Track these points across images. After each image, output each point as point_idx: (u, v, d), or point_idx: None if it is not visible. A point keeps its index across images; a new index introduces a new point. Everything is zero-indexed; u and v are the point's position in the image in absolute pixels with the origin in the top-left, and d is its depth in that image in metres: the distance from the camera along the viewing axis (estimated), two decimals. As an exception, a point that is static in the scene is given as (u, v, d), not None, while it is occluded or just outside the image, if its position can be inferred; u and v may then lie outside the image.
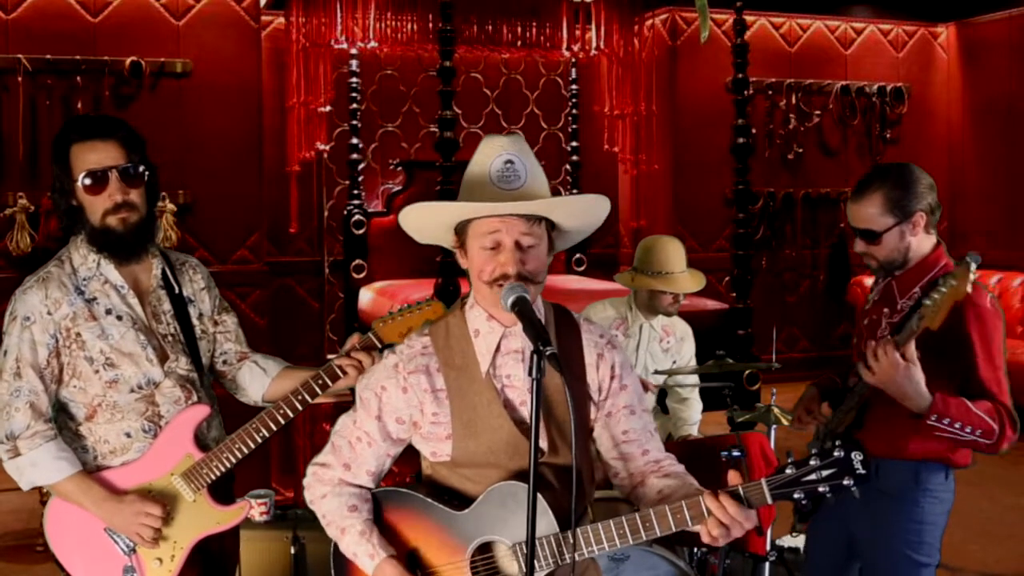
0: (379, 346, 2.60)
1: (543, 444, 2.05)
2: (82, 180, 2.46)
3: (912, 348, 2.50)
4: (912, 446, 2.71)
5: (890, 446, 2.73)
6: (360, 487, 2.16)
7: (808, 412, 2.96)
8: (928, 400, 2.52)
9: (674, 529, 1.92)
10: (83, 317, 2.48)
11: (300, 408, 2.56)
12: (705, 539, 1.92)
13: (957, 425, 2.55)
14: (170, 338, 2.59)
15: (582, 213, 2.08)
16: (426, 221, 2.10)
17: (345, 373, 2.57)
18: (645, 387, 3.93)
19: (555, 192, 2.10)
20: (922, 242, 2.78)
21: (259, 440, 2.54)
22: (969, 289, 2.45)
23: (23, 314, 2.46)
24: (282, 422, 2.55)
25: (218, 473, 2.53)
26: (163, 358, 2.55)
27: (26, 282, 2.51)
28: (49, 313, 2.46)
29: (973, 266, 2.43)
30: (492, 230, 2.00)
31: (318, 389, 2.57)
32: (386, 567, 2.04)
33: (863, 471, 1.83)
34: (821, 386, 3.02)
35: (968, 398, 2.58)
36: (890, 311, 2.82)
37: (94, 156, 2.46)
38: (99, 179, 2.46)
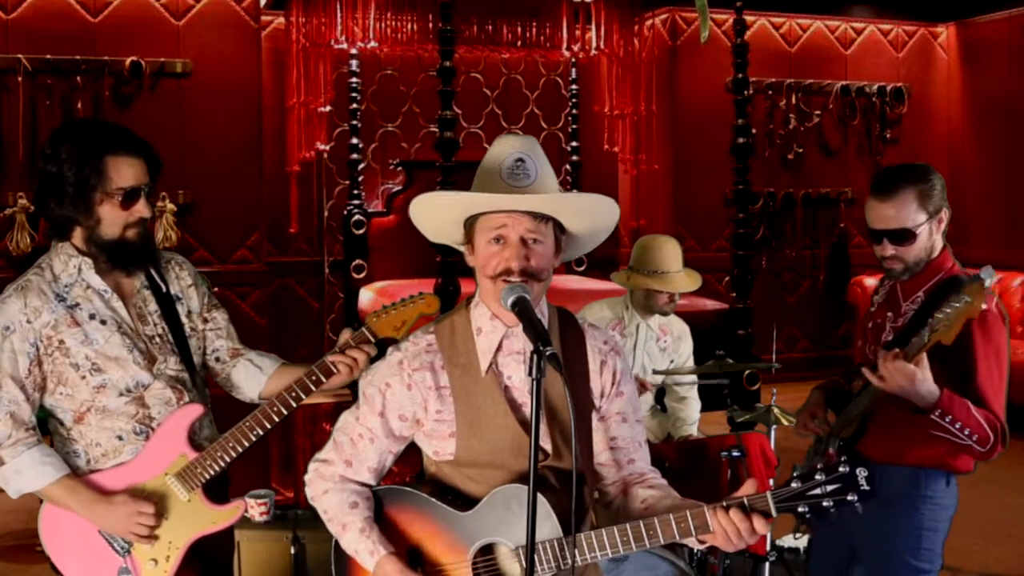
0: (372, 340, 2.58)
1: (546, 447, 2.05)
2: (118, 196, 2.46)
3: (924, 357, 2.48)
4: (913, 452, 2.70)
5: (891, 452, 2.72)
6: (362, 484, 2.16)
7: (813, 418, 2.93)
8: (936, 396, 2.50)
9: (678, 538, 1.92)
10: (65, 324, 2.45)
11: (294, 405, 2.54)
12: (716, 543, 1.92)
13: (958, 425, 2.53)
14: (158, 339, 2.57)
15: (589, 214, 2.08)
16: (436, 215, 2.11)
17: (338, 370, 2.54)
18: (643, 386, 3.93)
19: (561, 196, 2.10)
20: (938, 243, 2.75)
21: (253, 439, 2.52)
22: (983, 307, 2.42)
23: (2, 324, 2.43)
24: (276, 420, 2.53)
25: (212, 472, 2.52)
26: (151, 360, 2.54)
27: (5, 291, 2.48)
28: (29, 322, 2.43)
29: (988, 282, 2.40)
30: (498, 225, 2.01)
31: (312, 386, 2.54)
32: (386, 564, 2.04)
33: (868, 488, 1.84)
34: (826, 390, 2.99)
35: None
36: (894, 315, 2.79)
37: (131, 172, 2.47)
38: (133, 197, 2.48)
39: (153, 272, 2.61)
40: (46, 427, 2.56)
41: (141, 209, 2.50)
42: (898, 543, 2.75)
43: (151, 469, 2.51)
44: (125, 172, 2.46)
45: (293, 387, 2.54)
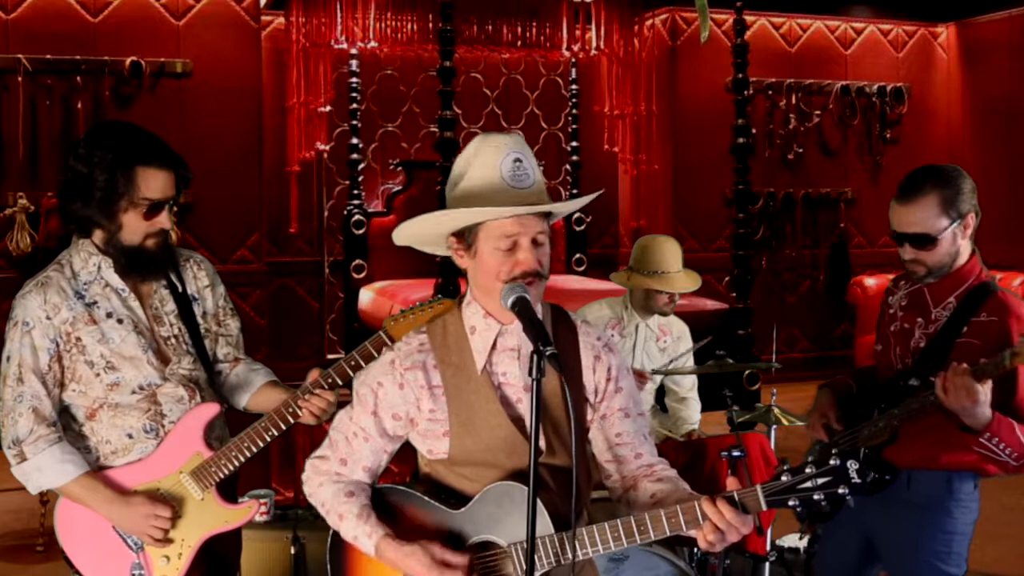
0: (390, 344, 2.60)
1: (540, 444, 2.06)
2: (143, 205, 2.46)
3: (988, 379, 2.43)
4: (946, 456, 2.67)
5: (923, 457, 2.69)
6: (357, 482, 2.16)
7: (823, 420, 2.87)
8: (988, 419, 2.47)
9: (668, 533, 1.93)
10: (83, 321, 2.47)
11: None
12: (702, 544, 1.92)
13: (1002, 446, 2.51)
14: (173, 340, 2.58)
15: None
16: (430, 228, 2.09)
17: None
18: (643, 378, 3.93)
19: (551, 189, 2.13)
20: (965, 248, 2.70)
21: (268, 439, 2.55)
22: None
23: (23, 319, 2.45)
24: (291, 421, 2.55)
25: (227, 472, 2.54)
26: (165, 360, 2.55)
27: (25, 286, 2.50)
28: (48, 318, 2.45)
29: None
30: (511, 232, 1.99)
31: (328, 389, 2.58)
32: (384, 545, 2.05)
33: (859, 480, 1.83)
34: (835, 390, 2.94)
35: None
36: (924, 321, 2.74)
37: (158, 185, 2.48)
38: (157, 209, 2.49)
39: (171, 272, 2.62)
40: None
41: (163, 221, 2.52)
42: (928, 548, 2.71)
43: (167, 466, 2.53)
44: (154, 184, 2.47)
45: (309, 389, 2.57)
